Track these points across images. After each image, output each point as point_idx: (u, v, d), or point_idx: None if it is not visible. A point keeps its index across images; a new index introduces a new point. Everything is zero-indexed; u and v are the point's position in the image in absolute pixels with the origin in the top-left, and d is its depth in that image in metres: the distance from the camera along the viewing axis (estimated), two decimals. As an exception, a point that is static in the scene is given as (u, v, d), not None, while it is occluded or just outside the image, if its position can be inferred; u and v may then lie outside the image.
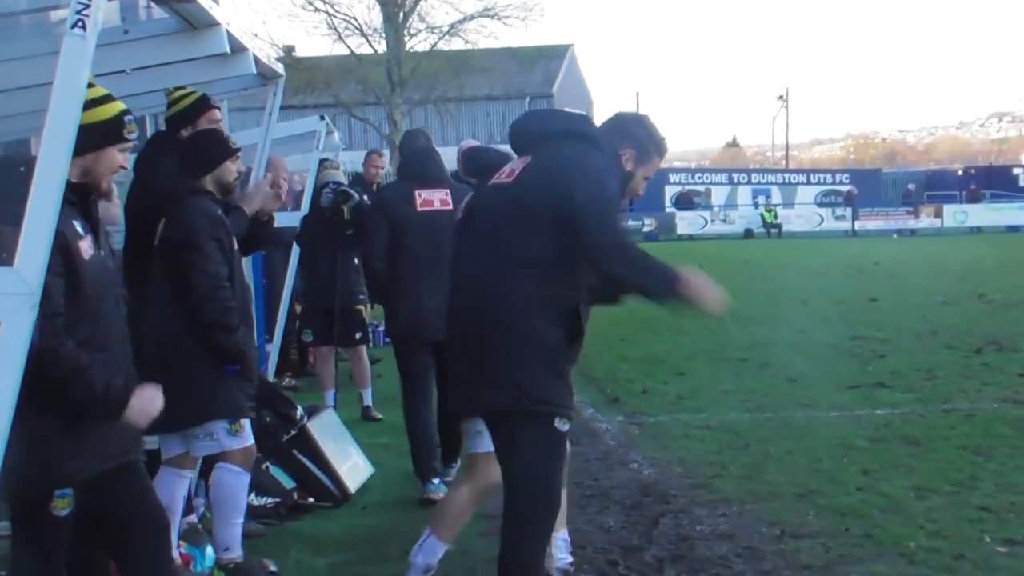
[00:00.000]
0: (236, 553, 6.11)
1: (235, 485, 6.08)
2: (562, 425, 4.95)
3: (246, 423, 6.04)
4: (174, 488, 6.03)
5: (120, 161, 4.34)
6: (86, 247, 4.18)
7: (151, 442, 5.74)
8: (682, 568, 6.45)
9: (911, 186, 61.49)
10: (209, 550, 6.35)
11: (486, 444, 5.53)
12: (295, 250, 10.14)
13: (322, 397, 10.63)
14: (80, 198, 4.26)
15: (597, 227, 4.74)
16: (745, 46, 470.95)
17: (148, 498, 4.60)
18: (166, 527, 4.72)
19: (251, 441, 6.12)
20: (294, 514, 7.51)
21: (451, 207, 7.82)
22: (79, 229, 4.19)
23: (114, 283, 4.45)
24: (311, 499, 7.79)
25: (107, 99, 4.33)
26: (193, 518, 6.85)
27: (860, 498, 7.60)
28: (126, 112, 4.38)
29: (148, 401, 4.19)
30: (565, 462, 5.23)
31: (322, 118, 10.14)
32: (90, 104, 4.13)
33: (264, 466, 7.66)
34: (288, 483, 7.66)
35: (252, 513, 7.22)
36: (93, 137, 4.19)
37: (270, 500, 7.49)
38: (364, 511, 7.74)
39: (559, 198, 4.78)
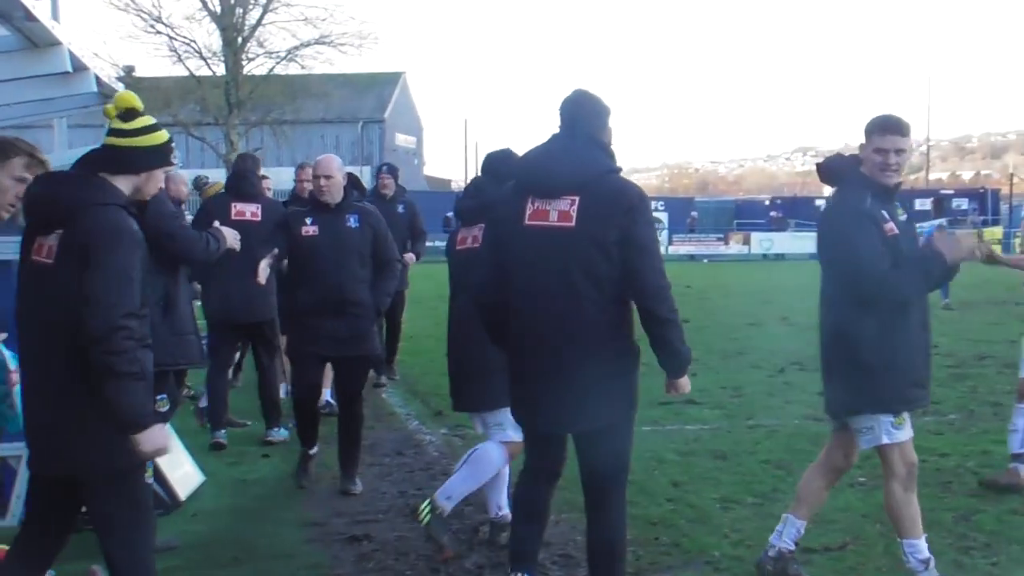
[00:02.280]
0: None
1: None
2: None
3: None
4: None
5: (162, 181, 4.97)
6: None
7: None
8: (500, 574, 6.58)
9: (693, 214, 63.05)
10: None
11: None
12: None
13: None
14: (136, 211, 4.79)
15: None
16: (567, 77, 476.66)
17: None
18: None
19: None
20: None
21: (259, 219, 9.78)
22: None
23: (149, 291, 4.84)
24: (141, 506, 7.74)
25: (157, 127, 4.87)
26: None
27: (670, 509, 7.85)
28: (170, 139, 4.94)
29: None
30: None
31: (161, 137, 10.22)
32: (146, 130, 4.80)
33: (96, 472, 7.66)
34: None
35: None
36: (150, 159, 4.82)
37: None
38: (194, 518, 7.74)
39: None
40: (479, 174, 7.21)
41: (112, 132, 4.80)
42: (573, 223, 5.29)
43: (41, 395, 4.70)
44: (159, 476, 7.72)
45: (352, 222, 8.47)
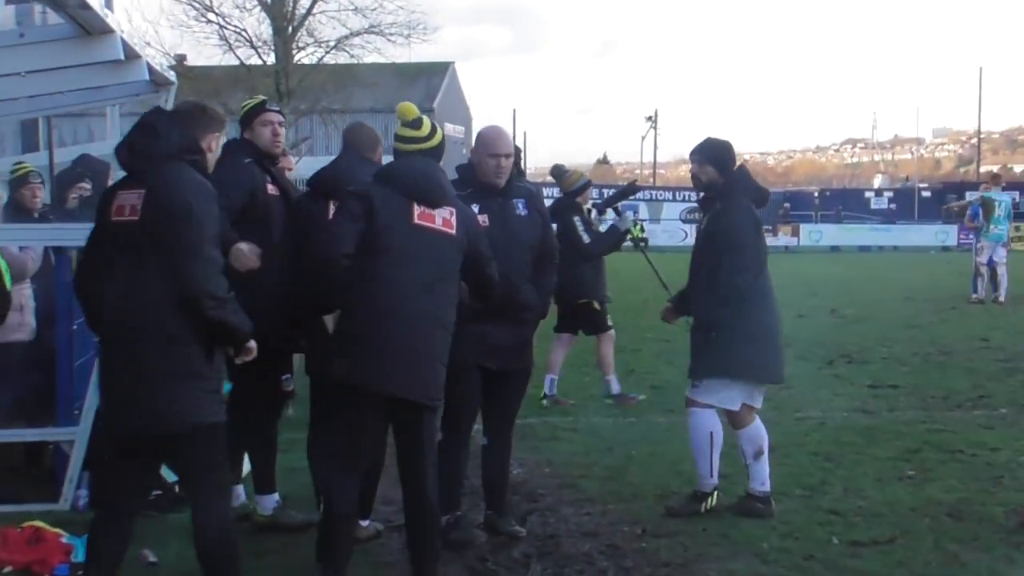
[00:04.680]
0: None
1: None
2: None
3: None
4: None
5: None
6: None
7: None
8: (548, 564, 6.64)
9: (786, 205, 62.78)
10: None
11: None
12: None
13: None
14: None
15: None
16: (616, 68, 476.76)
17: None
18: None
19: None
20: (176, 506, 7.35)
21: None
22: None
23: None
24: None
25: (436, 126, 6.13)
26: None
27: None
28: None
29: None
30: None
31: (211, 125, 10.27)
32: (434, 129, 6.06)
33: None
34: (171, 476, 7.64)
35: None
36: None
37: (153, 492, 7.48)
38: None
39: None
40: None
41: (415, 140, 5.99)
42: None
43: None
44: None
45: (520, 209, 6.97)
